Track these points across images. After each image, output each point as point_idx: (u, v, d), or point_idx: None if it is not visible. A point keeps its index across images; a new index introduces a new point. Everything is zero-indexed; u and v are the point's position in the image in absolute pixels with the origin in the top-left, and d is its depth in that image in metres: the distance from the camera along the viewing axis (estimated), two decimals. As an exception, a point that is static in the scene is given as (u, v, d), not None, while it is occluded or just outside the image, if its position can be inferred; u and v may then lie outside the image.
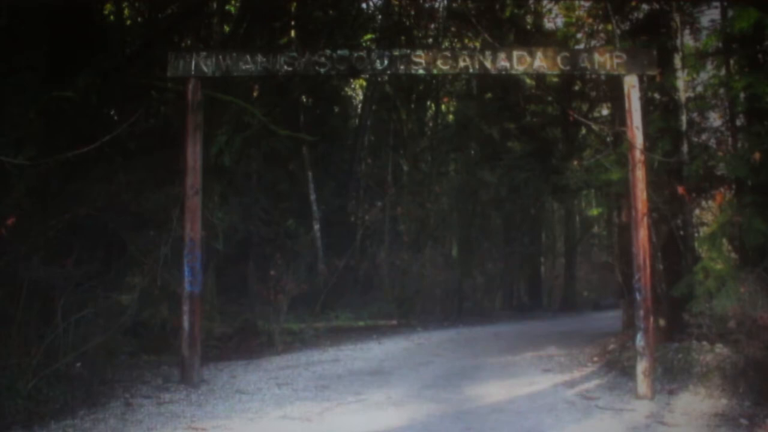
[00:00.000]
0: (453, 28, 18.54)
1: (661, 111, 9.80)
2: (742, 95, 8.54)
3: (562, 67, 7.60)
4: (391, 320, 14.82)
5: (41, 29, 8.18)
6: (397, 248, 18.21)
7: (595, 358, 9.74)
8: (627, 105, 7.37)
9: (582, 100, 14.64)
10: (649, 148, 7.87)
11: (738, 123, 9.61)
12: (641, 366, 6.90)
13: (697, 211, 10.68)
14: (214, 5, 12.31)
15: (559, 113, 14.72)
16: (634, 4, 10.43)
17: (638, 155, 7.24)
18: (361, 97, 21.27)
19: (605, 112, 15.86)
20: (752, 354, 6.69)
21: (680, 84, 9.38)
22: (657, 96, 10.24)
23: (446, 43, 18.27)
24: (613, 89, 10.49)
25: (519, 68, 7.67)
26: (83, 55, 8.49)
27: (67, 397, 6.08)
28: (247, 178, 15.05)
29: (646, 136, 7.66)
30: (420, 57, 7.69)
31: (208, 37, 12.33)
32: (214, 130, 10.82)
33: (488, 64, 7.62)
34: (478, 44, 15.41)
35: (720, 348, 7.42)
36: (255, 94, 14.07)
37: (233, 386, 7.57)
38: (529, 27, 16.19)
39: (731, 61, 9.43)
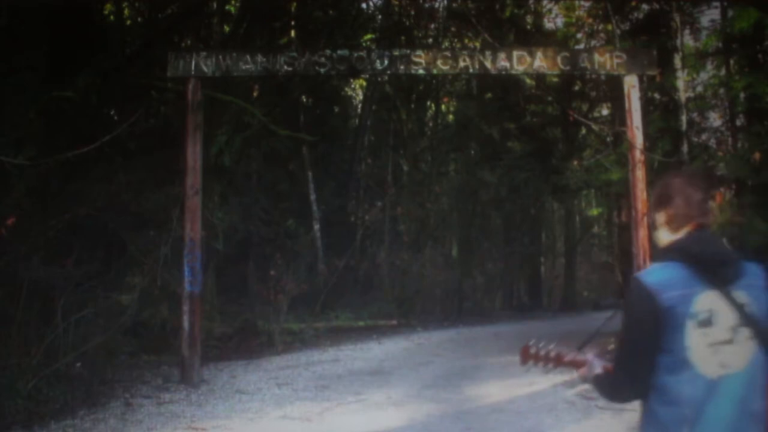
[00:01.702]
0: (453, 28, 18.55)
1: (661, 111, 9.81)
2: (742, 95, 8.56)
3: (562, 67, 7.61)
4: (391, 320, 14.79)
5: (41, 29, 8.18)
6: (397, 248, 18.19)
7: (595, 358, 9.72)
8: (627, 105, 7.37)
9: (582, 100, 14.68)
10: (649, 148, 7.87)
11: (738, 123, 9.63)
12: (641, 366, 6.89)
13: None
14: (214, 5, 12.31)
15: (559, 113, 14.75)
16: (634, 4, 10.45)
17: (638, 155, 7.24)
18: (361, 97, 21.26)
19: (605, 112, 15.88)
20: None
21: (680, 84, 9.38)
22: (657, 96, 10.27)
23: (446, 43, 18.26)
24: (613, 89, 10.51)
25: (519, 68, 7.67)
26: (83, 55, 8.49)
27: (67, 397, 6.08)
28: (247, 178, 15.04)
29: (646, 136, 7.67)
30: (420, 57, 7.69)
31: (208, 37, 12.32)
32: (214, 130, 10.82)
33: (488, 64, 7.62)
34: (478, 44, 15.40)
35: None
36: (255, 94, 14.07)
37: (233, 386, 7.56)
38: (529, 27, 16.23)
39: (731, 61, 9.45)
